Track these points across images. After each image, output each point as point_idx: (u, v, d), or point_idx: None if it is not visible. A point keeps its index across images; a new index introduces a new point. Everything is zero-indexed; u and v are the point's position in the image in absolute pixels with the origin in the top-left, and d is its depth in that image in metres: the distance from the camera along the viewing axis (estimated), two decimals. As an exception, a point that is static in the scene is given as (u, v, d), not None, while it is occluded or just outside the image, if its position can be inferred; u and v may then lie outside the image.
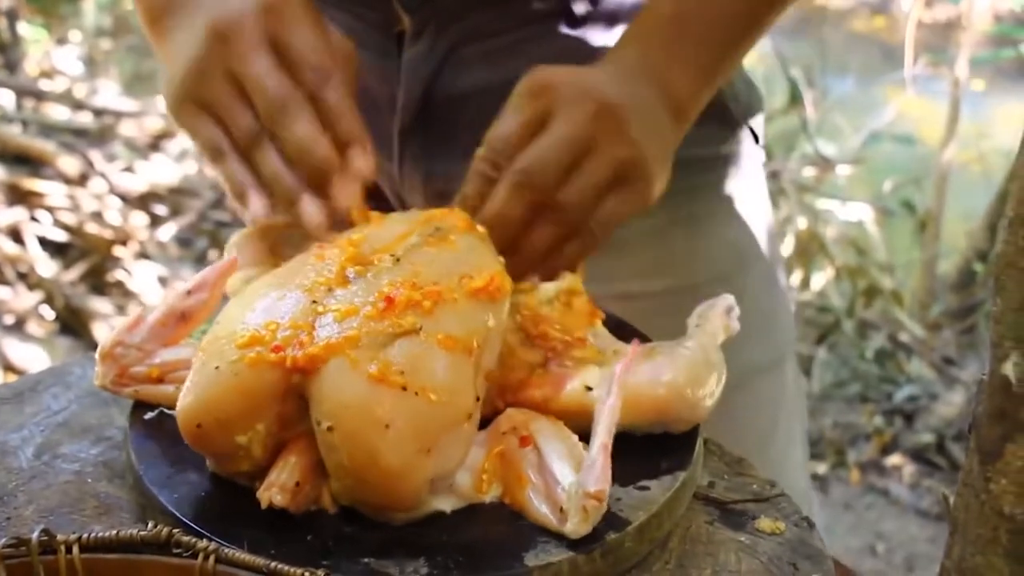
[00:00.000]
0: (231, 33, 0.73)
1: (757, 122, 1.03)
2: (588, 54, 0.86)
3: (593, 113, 0.74)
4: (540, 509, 0.61)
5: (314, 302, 0.63)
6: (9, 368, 2.81)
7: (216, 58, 0.73)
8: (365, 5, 0.92)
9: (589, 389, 0.67)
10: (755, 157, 1.04)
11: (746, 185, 1.03)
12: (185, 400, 0.61)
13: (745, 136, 1.02)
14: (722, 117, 0.99)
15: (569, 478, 0.61)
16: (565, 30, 0.90)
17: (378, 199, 0.96)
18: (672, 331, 0.73)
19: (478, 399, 0.63)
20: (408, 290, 0.63)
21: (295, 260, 0.68)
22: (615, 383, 0.63)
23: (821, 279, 3.60)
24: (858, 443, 3.07)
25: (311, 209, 0.71)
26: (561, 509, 0.60)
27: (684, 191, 0.97)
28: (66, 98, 4.04)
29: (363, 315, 0.61)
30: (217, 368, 0.60)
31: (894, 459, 3.00)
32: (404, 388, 0.59)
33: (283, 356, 0.60)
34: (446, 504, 0.62)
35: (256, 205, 0.72)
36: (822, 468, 2.94)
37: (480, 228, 0.72)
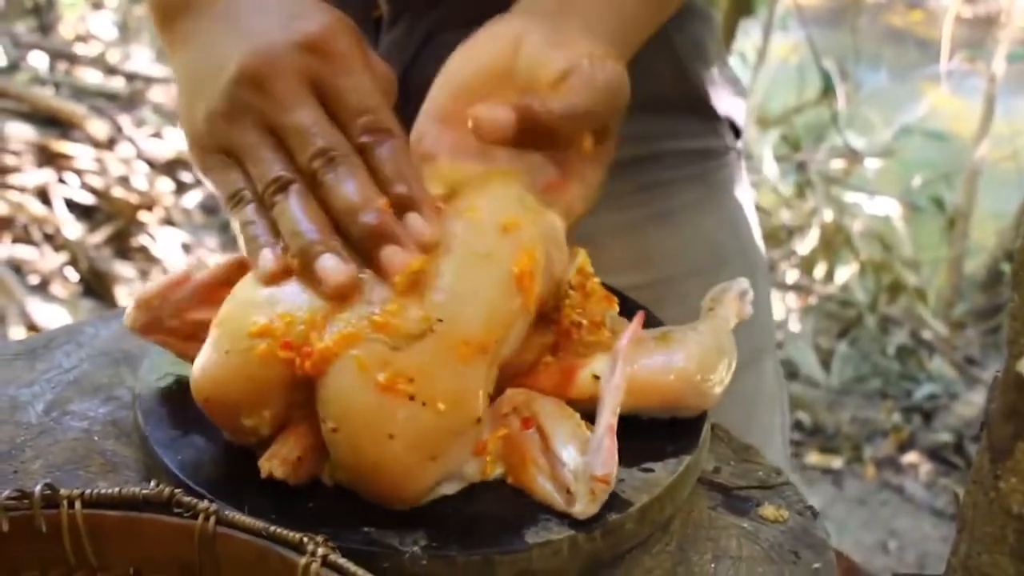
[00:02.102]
0: (268, 76, 0.63)
1: (738, 116, 1.03)
2: None
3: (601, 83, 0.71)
4: (545, 489, 0.61)
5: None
6: (32, 328, 2.84)
7: (249, 104, 0.64)
8: None
9: (597, 378, 0.66)
10: (736, 151, 1.03)
11: (726, 179, 1.02)
12: (197, 373, 0.61)
13: (725, 130, 1.01)
14: (700, 110, 0.98)
15: (575, 459, 0.60)
16: None
17: None
18: (650, 326, 0.72)
19: (489, 395, 0.62)
20: (428, 284, 0.60)
21: None
22: (618, 360, 0.62)
23: (845, 273, 3.58)
24: (875, 439, 3.06)
25: (332, 264, 0.59)
26: (568, 491, 0.59)
27: (660, 185, 0.98)
28: (99, 62, 4.06)
29: (378, 314, 0.58)
30: (227, 352, 0.60)
31: (911, 457, 2.99)
32: (412, 398, 0.57)
33: (292, 356, 0.58)
34: (450, 489, 0.62)
35: (267, 257, 0.61)
36: (838, 463, 2.94)
37: (516, 192, 0.67)
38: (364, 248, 0.61)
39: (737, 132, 1.03)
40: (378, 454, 0.57)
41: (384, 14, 0.90)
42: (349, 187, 0.61)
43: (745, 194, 1.05)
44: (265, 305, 0.60)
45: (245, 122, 0.64)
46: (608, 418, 0.60)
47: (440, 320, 0.59)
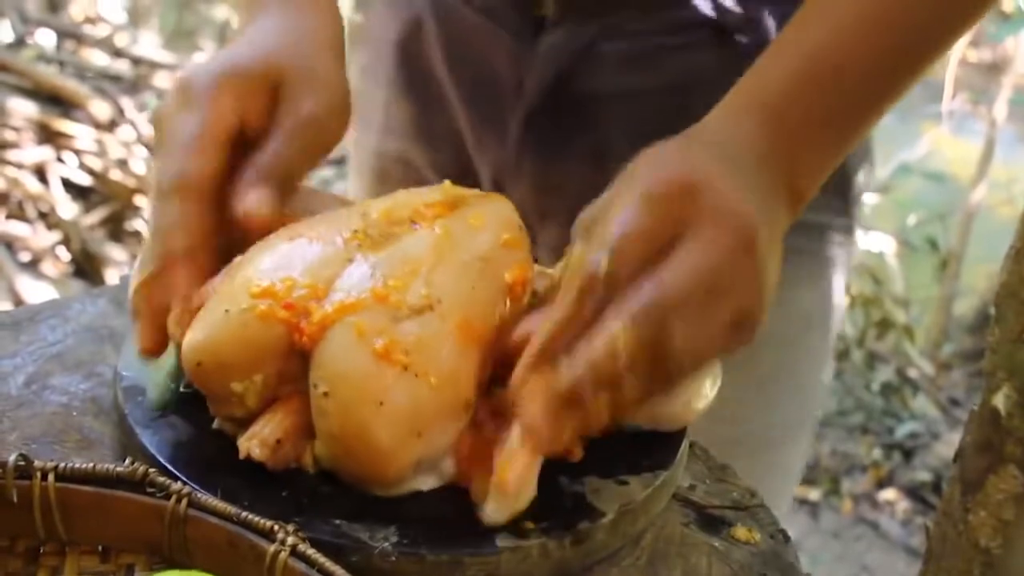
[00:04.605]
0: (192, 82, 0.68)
1: (864, 187, 0.97)
2: (732, 71, 0.70)
3: (733, 245, 0.58)
4: (477, 487, 0.60)
5: (336, 264, 0.62)
6: (20, 304, 2.83)
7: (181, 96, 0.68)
8: None
9: None
10: (850, 230, 0.97)
11: (833, 256, 0.96)
12: (191, 335, 0.61)
13: (848, 205, 0.95)
14: (838, 186, 0.92)
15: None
16: (712, 44, 0.85)
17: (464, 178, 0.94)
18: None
19: (480, 386, 0.62)
20: (432, 267, 0.62)
21: (327, 215, 0.68)
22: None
23: (835, 306, 3.58)
24: (854, 473, 3.06)
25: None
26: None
27: None
28: (106, 44, 4.06)
29: (380, 286, 0.60)
30: (227, 312, 0.60)
31: (888, 494, 2.99)
32: (406, 368, 0.58)
33: (292, 318, 0.59)
34: (426, 484, 0.62)
35: None
36: (815, 495, 2.94)
37: (519, 220, 0.70)
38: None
39: (857, 211, 0.96)
40: (366, 420, 0.57)
41: (548, 13, 0.87)
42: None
43: (844, 270, 0.97)
44: (268, 271, 0.61)
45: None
46: (519, 431, 0.58)
47: (440, 301, 0.60)
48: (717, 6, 0.84)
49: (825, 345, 0.99)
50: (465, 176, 0.90)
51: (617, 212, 0.58)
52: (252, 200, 0.64)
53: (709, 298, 0.57)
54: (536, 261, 0.83)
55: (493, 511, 0.58)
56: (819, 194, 0.82)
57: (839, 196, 0.94)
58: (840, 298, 1.00)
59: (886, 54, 0.67)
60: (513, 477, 0.58)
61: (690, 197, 0.58)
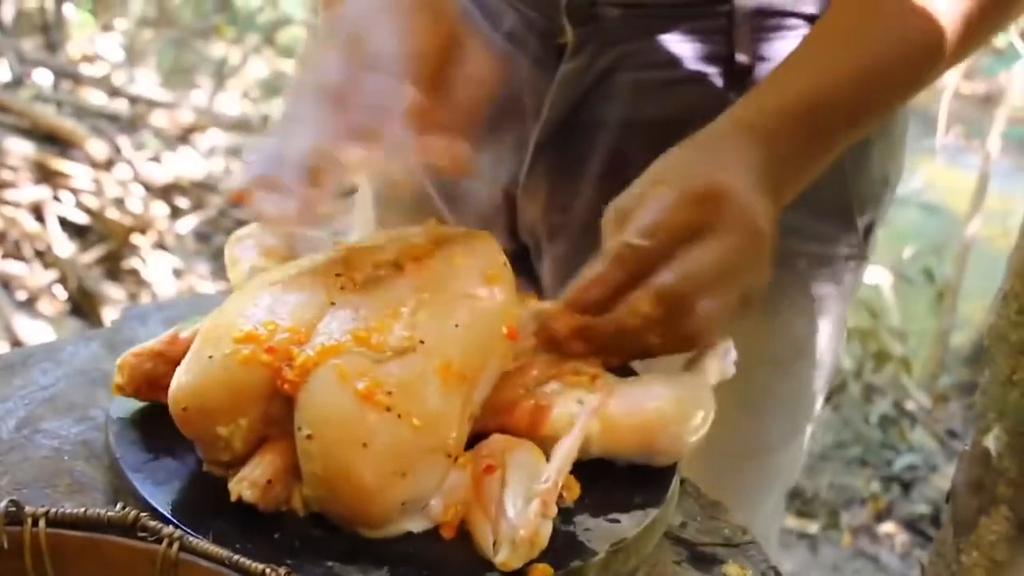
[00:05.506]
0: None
1: (880, 221, 0.98)
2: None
3: (746, 244, 0.71)
4: (483, 533, 0.60)
5: (318, 307, 0.62)
6: (16, 344, 2.82)
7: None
8: (536, 9, 0.92)
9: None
10: (859, 262, 0.98)
11: (837, 286, 0.97)
12: (177, 381, 0.62)
13: (859, 239, 0.96)
14: (842, 216, 0.94)
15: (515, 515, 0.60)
16: (721, 77, 0.88)
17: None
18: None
19: (463, 435, 0.63)
20: (415, 308, 0.63)
21: (308, 259, 0.68)
22: (579, 424, 0.62)
23: (832, 338, 3.57)
24: (853, 507, 3.04)
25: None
26: (496, 540, 0.59)
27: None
28: (103, 83, 4.08)
29: (362, 328, 0.60)
30: (210, 357, 0.61)
31: (887, 527, 2.97)
32: (388, 409, 0.58)
33: (275, 362, 0.60)
34: (416, 525, 0.62)
35: None
36: (814, 528, 2.92)
37: (502, 257, 0.71)
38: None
39: (867, 245, 0.98)
40: (350, 462, 0.58)
41: (569, 42, 0.91)
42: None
43: (846, 300, 0.99)
44: (250, 316, 0.61)
45: None
46: (552, 479, 0.60)
47: (422, 342, 0.60)
48: (729, 42, 0.87)
49: (813, 374, 1.00)
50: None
51: (653, 205, 0.70)
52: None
53: (724, 281, 0.69)
54: (540, 279, 0.84)
55: (510, 556, 0.58)
56: (815, 225, 0.91)
57: (839, 227, 0.95)
58: (839, 332, 1.00)
59: (865, 101, 0.79)
60: (534, 531, 0.58)
61: (715, 202, 0.70)
